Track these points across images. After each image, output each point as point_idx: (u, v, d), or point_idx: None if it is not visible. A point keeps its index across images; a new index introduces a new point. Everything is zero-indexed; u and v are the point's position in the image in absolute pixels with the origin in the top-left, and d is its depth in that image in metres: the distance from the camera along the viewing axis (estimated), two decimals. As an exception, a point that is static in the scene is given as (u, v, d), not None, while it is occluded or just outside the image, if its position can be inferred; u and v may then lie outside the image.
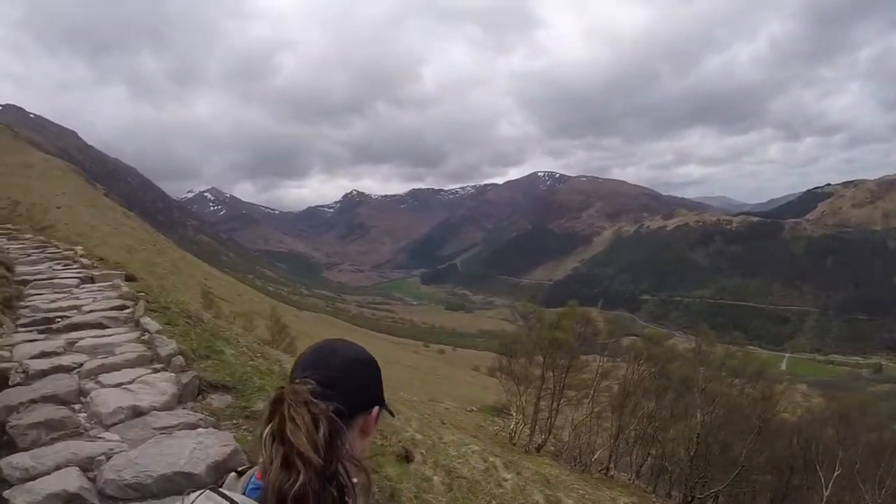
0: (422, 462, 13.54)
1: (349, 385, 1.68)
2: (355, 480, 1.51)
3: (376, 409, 1.79)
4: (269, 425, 1.49)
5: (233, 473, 1.66)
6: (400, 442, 12.88)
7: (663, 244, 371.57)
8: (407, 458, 11.80)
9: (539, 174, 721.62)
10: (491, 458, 20.26)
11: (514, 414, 33.12)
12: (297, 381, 1.62)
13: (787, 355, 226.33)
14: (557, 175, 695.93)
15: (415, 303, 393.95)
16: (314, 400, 1.53)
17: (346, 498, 1.46)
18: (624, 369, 35.83)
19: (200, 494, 1.46)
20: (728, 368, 36.45)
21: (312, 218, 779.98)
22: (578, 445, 31.67)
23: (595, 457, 31.26)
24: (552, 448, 31.74)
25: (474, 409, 41.60)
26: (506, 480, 18.20)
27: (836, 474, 29.18)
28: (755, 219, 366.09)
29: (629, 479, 31.75)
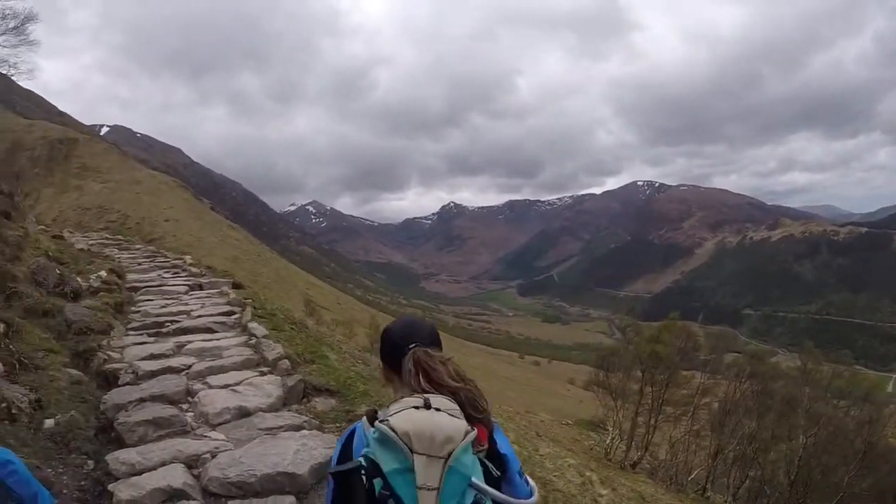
0: (518, 473, 13.34)
1: (436, 342, 2.32)
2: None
3: None
4: (420, 376, 2.10)
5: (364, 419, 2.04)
6: (497, 452, 12.74)
7: (767, 256, 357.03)
8: (504, 468, 11.65)
9: (638, 183, 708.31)
10: (587, 473, 19.91)
11: (611, 429, 32.43)
12: (414, 346, 2.20)
13: (894, 376, 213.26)
14: (657, 184, 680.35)
15: (511, 314, 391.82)
16: (436, 354, 2.19)
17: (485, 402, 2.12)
18: (725, 387, 34.65)
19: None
20: (834, 389, 34.70)
21: (411, 229, 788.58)
22: (675, 464, 30.70)
23: (691, 476, 30.23)
24: (647, 465, 30.91)
25: (570, 422, 41.01)
26: (601, 496, 17.85)
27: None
28: (863, 229, 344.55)
29: (725, 501, 30.58)
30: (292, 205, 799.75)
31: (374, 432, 1.84)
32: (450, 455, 1.79)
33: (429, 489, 1.74)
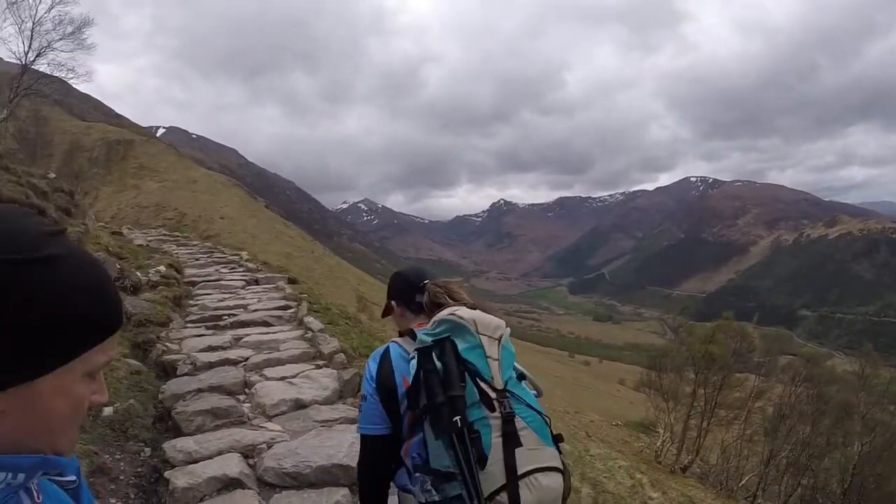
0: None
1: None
2: None
3: None
4: (445, 295, 2.52)
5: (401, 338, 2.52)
6: (549, 450, 12.68)
7: (824, 255, 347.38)
8: (555, 466, 11.61)
9: (691, 179, 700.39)
10: (637, 475, 19.73)
11: (662, 431, 31.99)
12: (427, 282, 2.65)
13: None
14: (710, 180, 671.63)
15: (561, 312, 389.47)
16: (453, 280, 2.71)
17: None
18: (779, 390, 33.87)
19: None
20: (891, 394, 33.59)
21: (461, 227, 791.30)
22: (726, 469, 30.10)
23: (742, 482, 29.53)
24: (698, 469, 30.38)
25: (619, 423, 40.61)
26: (651, 499, 17.68)
27: None
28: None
29: (775, 509, 29.91)
30: (344, 202, 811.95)
31: (443, 324, 2.25)
32: (501, 337, 2.26)
33: (494, 359, 2.19)
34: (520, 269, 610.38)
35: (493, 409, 2.07)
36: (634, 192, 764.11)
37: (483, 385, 2.12)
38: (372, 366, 2.42)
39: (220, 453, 4.85)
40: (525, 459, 2.03)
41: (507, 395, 2.13)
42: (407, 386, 2.27)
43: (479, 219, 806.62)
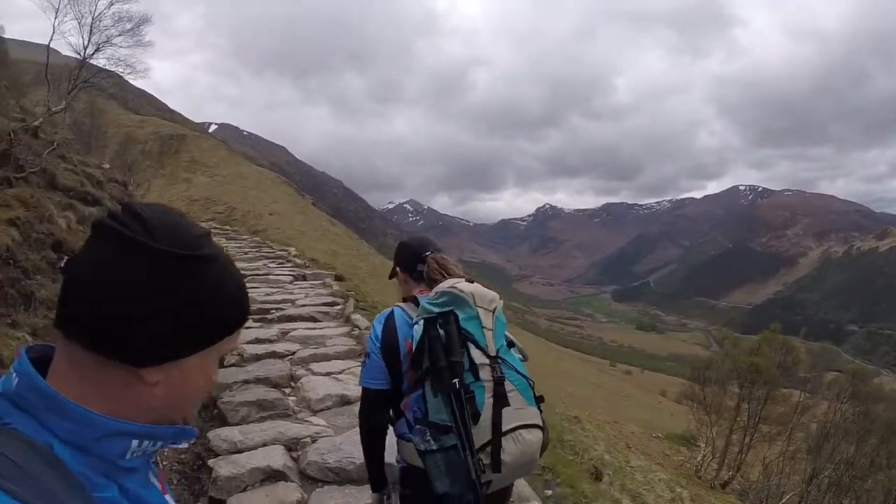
0: (609, 483, 13.21)
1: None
2: None
3: None
4: (442, 270, 2.81)
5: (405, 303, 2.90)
6: (591, 460, 12.69)
7: (875, 268, 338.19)
8: (596, 476, 11.60)
9: (740, 188, 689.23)
10: (678, 489, 19.55)
11: (703, 445, 31.49)
12: (429, 254, 2.91)
13: None
14: (760, 189, 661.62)
15: (604, 320, 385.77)
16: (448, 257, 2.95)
17: None
18: (824, 407, 33.09)
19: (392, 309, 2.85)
20: (939, 415, 32.60)
21: (506, 230, 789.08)
22: (767, 486, 29.46)
23: (783, 501, 28.83)
24: (738, 486, 29.85)
25: (660, 435, 40.09)
26: (691, 514, 17.47)
27: None
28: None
29: (815, 530, 29.17)
30: (390, 203, 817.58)
31: (445, 295, 2.54)
32: (495, 309, 2.61)
33: (489, 329, 2.53)
34: (564, 274, 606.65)
35: (486, 374, 2.43)
36: (682, 199, 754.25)
37: (478, 352, 2.46)
38: (377, 327, 2.78)
39: (264, 445, 4.92)
40: (511, 417, 2.43)
41: (499, 361, 2.50)
42: (409, 347, 2.60)
43: (524, 223, 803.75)
